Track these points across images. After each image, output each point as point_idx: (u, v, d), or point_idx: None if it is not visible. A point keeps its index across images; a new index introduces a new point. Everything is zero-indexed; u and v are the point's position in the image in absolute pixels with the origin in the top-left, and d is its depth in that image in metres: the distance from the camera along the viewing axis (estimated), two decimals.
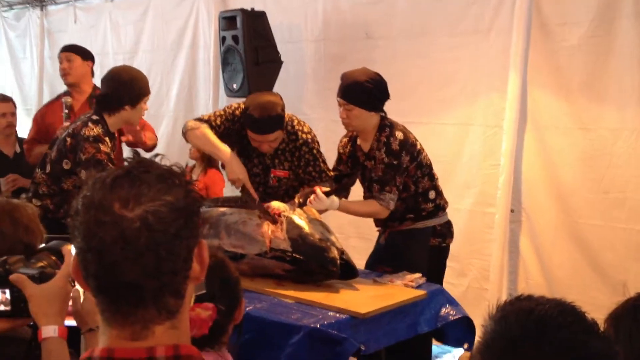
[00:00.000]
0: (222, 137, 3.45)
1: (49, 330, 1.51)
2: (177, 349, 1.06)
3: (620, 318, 1.59)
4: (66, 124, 4.29)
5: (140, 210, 1.03)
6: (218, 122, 3.44)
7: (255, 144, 3.42)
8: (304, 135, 3.50)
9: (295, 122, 3.52)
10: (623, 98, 3.70)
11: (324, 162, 3.57)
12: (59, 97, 4.56)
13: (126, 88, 3.48)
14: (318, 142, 3.57)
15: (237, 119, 3.47)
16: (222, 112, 3.49)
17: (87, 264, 1.05)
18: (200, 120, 3.45)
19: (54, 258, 1.66)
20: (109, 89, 3.52)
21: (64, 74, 4.54)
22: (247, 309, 2.73)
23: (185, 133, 3.47)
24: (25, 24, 7.62)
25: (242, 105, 3.47)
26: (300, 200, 3.26)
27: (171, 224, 1.04)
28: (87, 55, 4.62)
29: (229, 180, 3.34)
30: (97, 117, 3.45)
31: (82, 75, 4.54)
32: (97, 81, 4.65)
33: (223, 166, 3.41)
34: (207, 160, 5.21)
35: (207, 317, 1.60)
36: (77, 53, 4.59)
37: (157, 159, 1.12)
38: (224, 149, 3.36)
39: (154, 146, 4.24)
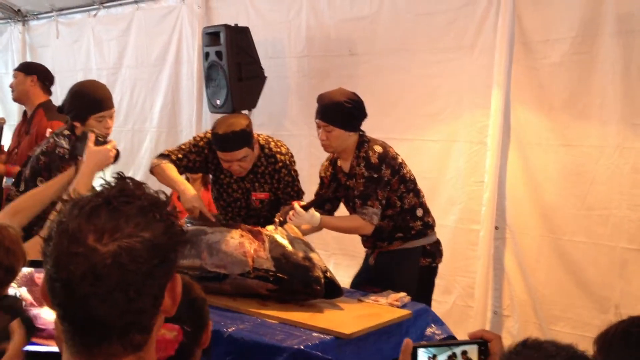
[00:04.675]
0: (186, 169, 3.57)
1: None
2: None
3: (612, 344, 1.55)
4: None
5: (114, 245, 0.98)
6: (180, 155, 3.49)
7: (225, 165, 3.41)
8: (282, 157, 3.51)
9: (272, 144, 3.53)
10: (606, 115, 3.71)
11: (299, 181, 3.60)
12: None
13: (72, 103, 3.36)
14: (294, 161, 3.59)
15: (202, 148, 3.50)
16: (185, 146, 3.54)
17: (54, 293, 1.01)
18: (162, 156, 3.51)
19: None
20: (62, 103, 3.47)
21: (11, 92, 4.78)
22: (230, 329, 2.70)
23: (151, 170, 3.52)
24: (7, 39, 7.57)
25: (208, 134, 3.49)
26: (281, 218, 3.23)
27: (144, 264, 1.00)
28: (30, 70, 4.72)
29: (185, 209, 3.31)
30: (69, 132, 3.39)
31: (25, 91, 4.67)
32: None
33: (179, 197, 3.39)
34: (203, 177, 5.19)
35: (173, 338, 1.55)
36: (20, 70, 4.76)
37: (143, 188, 1.07)
38: (179, 180, 3.40)
39: None
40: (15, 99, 4.77)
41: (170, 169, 3.42)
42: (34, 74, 4.66)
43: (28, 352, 2.05)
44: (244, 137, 3.33)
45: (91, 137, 2.87)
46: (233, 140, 3.31)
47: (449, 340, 1.46)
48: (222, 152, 3.37)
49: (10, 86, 4.77)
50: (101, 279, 0.98)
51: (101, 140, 2.89)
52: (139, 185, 1.07)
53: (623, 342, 1.53)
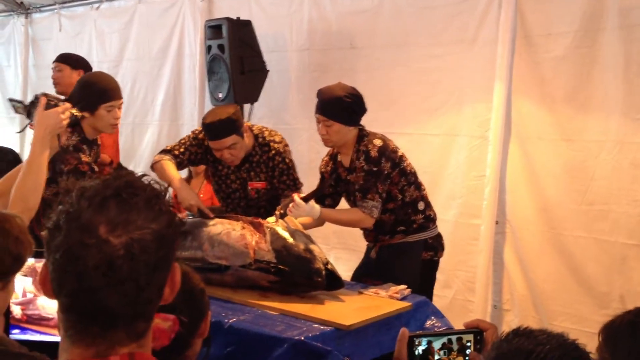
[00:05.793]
0: (190, 162, 3.62)
1: None
2: (132, 356, 1.04)
3: (618, 335, 1.56)
4: None
5: (127, 237, 1.01)
6: (182, 150, 3.53)
7: (217, 154, 3.45)
8: (275, 145, 3.54)
9: (266, 133, 3.57)
10: (607, 109, 3.71)
11: (295, 171, 3.61)
12: None
13: (81, 93, 3.35)
14: (290, 151, 3.61)
15: (202, 140, 3.53)
16: (185, 140, 3.58)
17: (63, 283, 1.02)
18: (164, 152, 3.54)
19: None
20: (70, 94, 3.47)
21: (54, 84, 4.77)
22: (231, 320, 2.71)
23: (151, 167, 3.54)
24: (10, 31, 7.57)
25: None
26: (281, 211, 3.23)
27: (154, 254, 1.03)
28: (77, 65, 4.75)
29: (184, 208, 3.33)
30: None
31: (71, 85, 4.58)
32: None
33: (176, 195, 3.40)
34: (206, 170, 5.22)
35: (168, 328, 1.54)
36: (66, 63, 4.77)
37: (144, 180, 1.09)
38: (175, 179, 3.40)
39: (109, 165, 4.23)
40: (60, 92, 4.76)
41: (169, 167, 3.44)
42: (81, 68, 4.73)
43: (35, 341, 2.06)
44: (231, 125, 3.36)
45: (42, 100, 2.58)
46: (220, 129, 3.35)
47: (445, 330, 1.48)
48: (211, 141, 3.41)
49: (53, 78, 4.80)
50: (114, 270, 1.00)
51: (52, 104, 2.63)
52: (140, 177, 1.10)
53: (629, 333, 1.54)
